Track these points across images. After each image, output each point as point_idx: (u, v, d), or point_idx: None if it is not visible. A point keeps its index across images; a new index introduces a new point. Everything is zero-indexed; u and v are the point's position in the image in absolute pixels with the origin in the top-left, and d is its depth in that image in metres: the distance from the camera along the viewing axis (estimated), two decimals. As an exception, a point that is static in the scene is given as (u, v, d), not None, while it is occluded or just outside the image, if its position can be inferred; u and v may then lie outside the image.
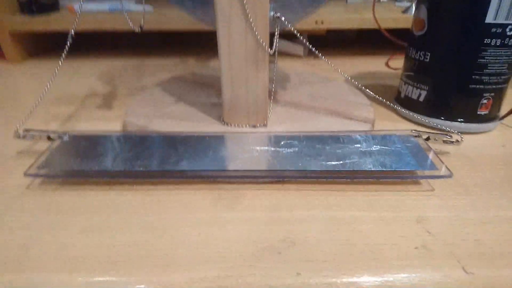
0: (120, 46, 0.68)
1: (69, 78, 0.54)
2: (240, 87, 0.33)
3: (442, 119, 0.38)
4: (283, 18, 0.31)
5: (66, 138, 0.31)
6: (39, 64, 0.61)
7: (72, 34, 0.32)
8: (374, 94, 0.34)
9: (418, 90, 0.39)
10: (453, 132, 0.34)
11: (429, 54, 0.37)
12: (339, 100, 0.42)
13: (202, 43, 0.71)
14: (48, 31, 0.58)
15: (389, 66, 0.59)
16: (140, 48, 0.69)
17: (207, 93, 0.44)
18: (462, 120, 0.37)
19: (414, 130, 0.33)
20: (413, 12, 0.60)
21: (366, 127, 0.36)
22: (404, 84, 0.41)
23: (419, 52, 0.38)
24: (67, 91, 0.49)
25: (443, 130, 0.36)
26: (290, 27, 0.33)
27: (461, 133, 0.36)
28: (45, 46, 0.69)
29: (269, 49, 0.32)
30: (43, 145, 0.34)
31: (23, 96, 0.48)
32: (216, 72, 0.51)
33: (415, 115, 0.39)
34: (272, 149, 0.30)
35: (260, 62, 0.32)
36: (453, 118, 0.38)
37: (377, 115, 0.42)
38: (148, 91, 0.44)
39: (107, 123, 0.39)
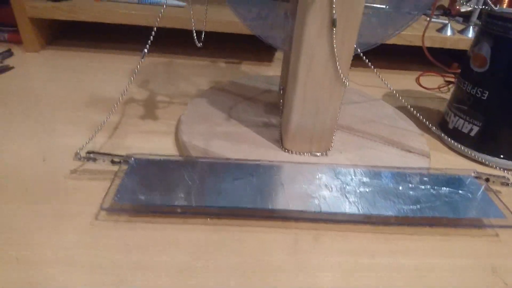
0: (144, 39, 0.65)
1: (98, 75, 0.52)
2: (310, 116, 0.33)
3: (489, 155, 0.39)
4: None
5: (132, 162, 0.30)
6: (58, 54, 0.57)
7: (154, 30, 0.30)
8: (426, 120, 0.34)
9: (470, 125, 0.40)
10: (509, 175, 0.35)
11: (487, 92, 0.37)
12: (390, 127, 0.42)
13: (231, 43, 0.69)
14: (75, 20, 0.54)
15: (420, 84, 0.59)
16: (165, 42, 0.66)
17: (255, 109, 0.43)
18: (508, 158, 0.38)
19: (475, 171, 0.34)
20: (448, 32, 0.60)
21: (425, 161, 0.36)
22: (454, 116, 0.41)
23: (476, 88, 0.38)
24: (101, 93, 0.46)
25: (492, 166, 0.37)
26: (359, 52, 0.33)
27: (506, 169, 0.38)
28: (62, 33, 0.65)
29: (347, 81, 0.31)
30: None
31: (51, 92, 0.45)
32: (254, 83, 0.50)
33: (465, 149, 0.40)
34: (347, 187, 0.30)
35: (335, 94, 0.32)
36: (500, 155, 0.39)
37: (424, 144, 0.42)
38: (194, 104, 0.43)
39: (159, 139, 0.38)
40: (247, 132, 0.38)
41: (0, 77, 0.48)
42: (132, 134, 0.38)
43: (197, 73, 0.55)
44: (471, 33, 0.61)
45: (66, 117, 0.40)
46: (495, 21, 0.36)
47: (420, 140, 0.40)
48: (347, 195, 0.29)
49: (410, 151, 0.37)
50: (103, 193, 0.28)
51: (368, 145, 0.38)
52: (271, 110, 0.43)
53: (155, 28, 0.30)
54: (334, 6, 0.27)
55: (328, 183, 0.30)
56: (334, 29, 0.28)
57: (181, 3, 0.58)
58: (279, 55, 0.66)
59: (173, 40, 0.66)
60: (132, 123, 0.40)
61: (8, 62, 0.53)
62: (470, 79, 0.39)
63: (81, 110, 0.42)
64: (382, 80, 0.33)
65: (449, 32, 0.60)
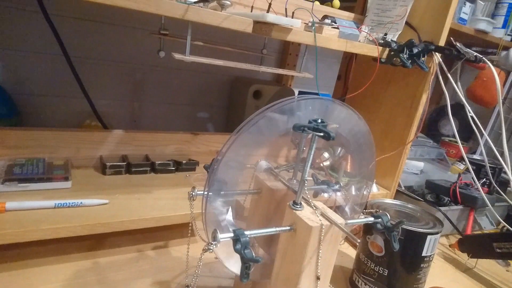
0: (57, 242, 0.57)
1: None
2: None
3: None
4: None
5: None
6: None
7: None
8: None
9: (379, 292, 0.54)
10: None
11: (387, 270, 0.53)
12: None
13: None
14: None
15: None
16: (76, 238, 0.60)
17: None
18: (406, 311, 0.54)
19: None
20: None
21: None
22: (365, 284, 0.55)
23: (378, 267, 0.53)
24: None
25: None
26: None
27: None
28: None
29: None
30: None
31: None
32: (203, 281, 0.53)
33: (380, 311, 0.54)
34: None
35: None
36: (403, 311, 0.54)
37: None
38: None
39: None
40: None
41: None
42: None
43: (133, 274, 0.53)
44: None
45: None
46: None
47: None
48: None
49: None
50: None
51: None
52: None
53: None
54: (319, 269, 0.36)
55: None
56: (318, 280, 0.37)
57: (103, 201, 0.57)
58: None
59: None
60: None
61: None
62: (372, 259, 0.54)
63: None
64: None
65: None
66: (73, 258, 0.55)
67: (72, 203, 0.54)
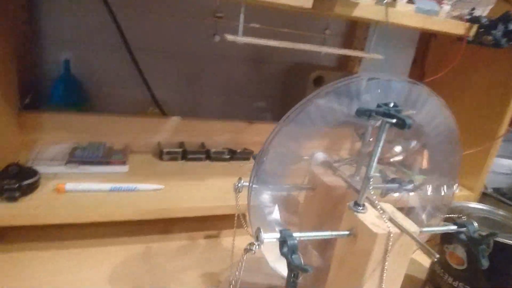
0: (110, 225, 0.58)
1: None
2: None
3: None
4: None
5: None
6: (11, 258, 0.48)
7: None
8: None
9: (457, 312, 0.46)
10: None
11: (468, 286, 0.44)
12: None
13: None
14: (37, 224, 0.47)
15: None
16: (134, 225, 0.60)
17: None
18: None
19: None
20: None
21: None
22: (440, 302, 0.47)
23: (457, 282, 0.45)
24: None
25: None
26: None
27: None
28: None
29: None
30: None
31: None
32: (253, 278, 0.49)
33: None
34: None
35: None
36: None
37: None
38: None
39: None
40: None
41: None
42: None
43: (182, 264, 0.52)
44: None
45: None
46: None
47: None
48: None
49: None
50: None
51: None
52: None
53: None
54: (383, 283, 0.30)
55: None
56: (382, 297, 0.31)
57: (158, 186, 0.56)
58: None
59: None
60: None
61: None
62: (450, 273, 0.46)
63: None
64: None
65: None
66: (124, 242, 0.55)
67: (127, 187, 0.54)
